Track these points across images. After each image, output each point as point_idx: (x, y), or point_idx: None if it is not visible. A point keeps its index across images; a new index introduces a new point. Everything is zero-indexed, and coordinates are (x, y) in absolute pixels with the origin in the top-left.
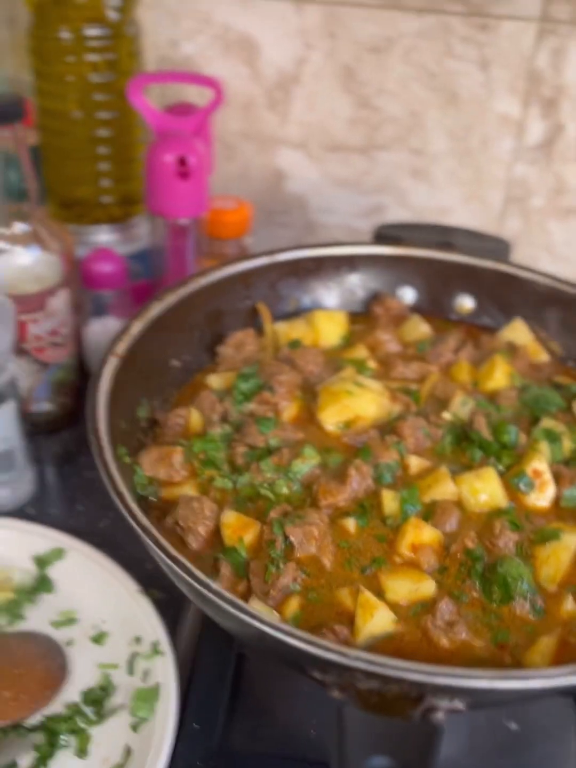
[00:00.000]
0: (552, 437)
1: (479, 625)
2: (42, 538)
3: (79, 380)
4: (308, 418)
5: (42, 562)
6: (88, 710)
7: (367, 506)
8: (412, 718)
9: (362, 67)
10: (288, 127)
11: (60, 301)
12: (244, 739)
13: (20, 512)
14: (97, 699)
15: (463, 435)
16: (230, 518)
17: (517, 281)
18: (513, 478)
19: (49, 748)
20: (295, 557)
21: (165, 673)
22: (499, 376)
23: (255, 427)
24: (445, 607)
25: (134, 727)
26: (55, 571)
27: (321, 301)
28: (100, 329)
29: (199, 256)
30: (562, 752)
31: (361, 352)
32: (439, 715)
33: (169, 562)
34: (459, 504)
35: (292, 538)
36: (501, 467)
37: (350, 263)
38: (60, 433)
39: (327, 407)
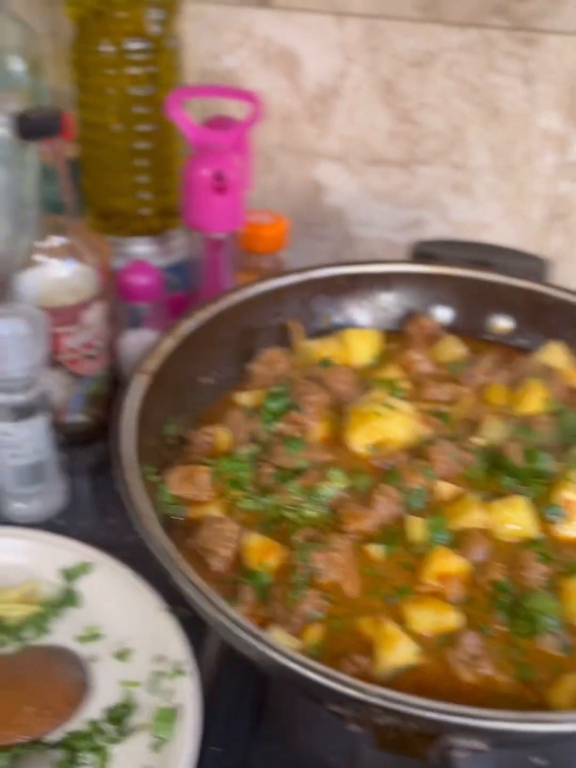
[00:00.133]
0: None
1: (504, 661)
2: (70, 551)
3: (112, 392)
4: (337, 438)
5: (69, 575)
6: (110, 728)
7: (393, 533)
8: (430, 759)
9: (403, 81)
10: (327, 140)
11: (95, 314)
12: (266, 764)
13: (50, 524)
14: (119, 717)
15: (494, 461)
16: (254, 541)
17: (555, 302)
18: (543, 507)
19: (69, 765)
20: (319, 583)
21: (187, 693)
22: (534, 400)
23: (283, 447)
24: (470, 641)
25: (155, 748)
26: (81, 585)
27: (354, 319)
28: (136, 341)
29: (235, 269)
30: None
31: (392, 371)
32: (458, 754)
33: (187, 586)
34: (488, 533)
35: (315, 564)
36: (532, 495)
37: (384, 281)
38: (93, 445)
39: (356, 429)
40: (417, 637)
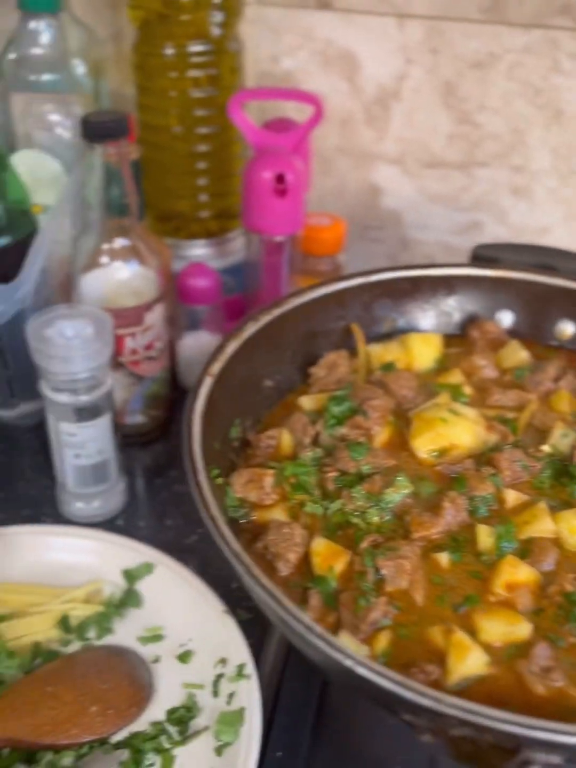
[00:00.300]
0: None
1: None
2: (132, 551)
3: (171, 394)
4: (400, 444)
5: (131, 576)
6: (173, 730)
7: (461, 540)
8: None
9: (464, 83)
10: (386, 143)
11: (156, 316)
12: None
13: (111, 524)
14: (182, 719)
15: (562, 469)
16: (321, 546)
17: None
18: None
19: (134, 765)
20: (386, 591)
21: (250, 697)
22: None
23: (347, 452)
24: (541, 652)
25: (218, 751)
26: (143, 586)
27: (416, 322)
28: (193, 343)
29: (293, 272)
30: None
31: (456, 377)
32: None
33: (260, 591)
34: (557, 542)
35: (383, 571)
36: None
37: (447, 285)
38: (151, 446)
39: (421, 434)
40: (487, 647)
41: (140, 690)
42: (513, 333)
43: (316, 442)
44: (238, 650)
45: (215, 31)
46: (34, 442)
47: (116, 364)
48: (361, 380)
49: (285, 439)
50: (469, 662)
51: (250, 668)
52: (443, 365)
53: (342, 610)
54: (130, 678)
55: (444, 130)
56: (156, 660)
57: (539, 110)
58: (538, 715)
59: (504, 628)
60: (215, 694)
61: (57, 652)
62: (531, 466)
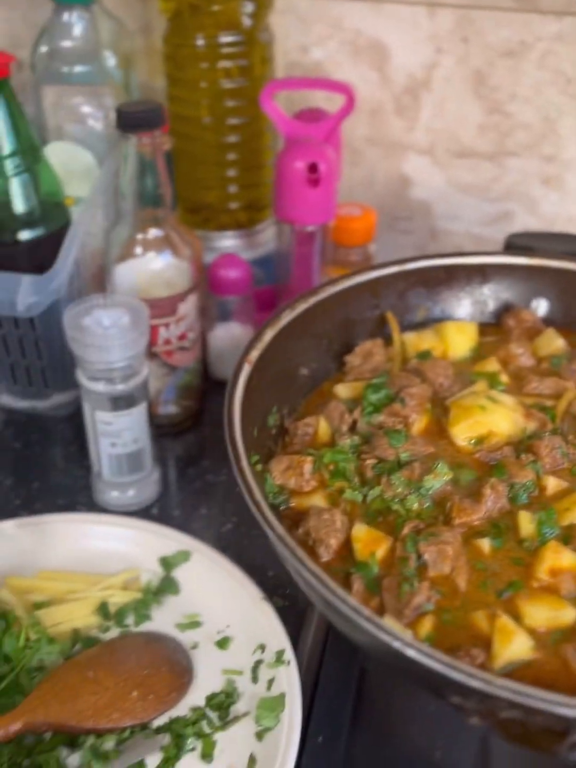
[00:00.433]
0: None
1: None
2: (168, 539)
3: (203, 384)
4: (438, 431)
5: (168, 563)
6: (213, 715)
7: (502, 527)
8: (558, 754)
9: (494, 72)
10: (415, 133)
11: (189, 306)
12: (367, 757)
13: (145, 513)
14: (222, 705)
15: None
16: (361, 532)
17: None
18: None
19: (176, 750)
20: (429, 576)
21: (290, 683)
22: None
23: (385, 439)
24: None
25: (259, 736)
26: (180, 573)
27: (451, 311)
28: (225, 334)
29: (323, 263)
30: None
31: (492, 365)
32: None
33: (306, 574)
34: None
35: (426, 556)
36: None
37: (482, 273)
38: (184, 436)
39: (459, 422)
40: (532, 632)
41: (180, 675)
42: (548, 321)
43: (353, 429)
44: (277, 636)
45: (246, 22)
46: (67, 433)
47: (150, 354)
48: (397, 369)
49: (322, 426)
50: (515, 646)
51: (289, 654)
52: (479, 354)
53: (385, 595)
54: (170, 663)
55: (474, 119)
56: (194, 646)
57: (571, 99)
58: None
59: (548, 613)
60: (254, 680)
61: (96, 638)
62: (571, 453)
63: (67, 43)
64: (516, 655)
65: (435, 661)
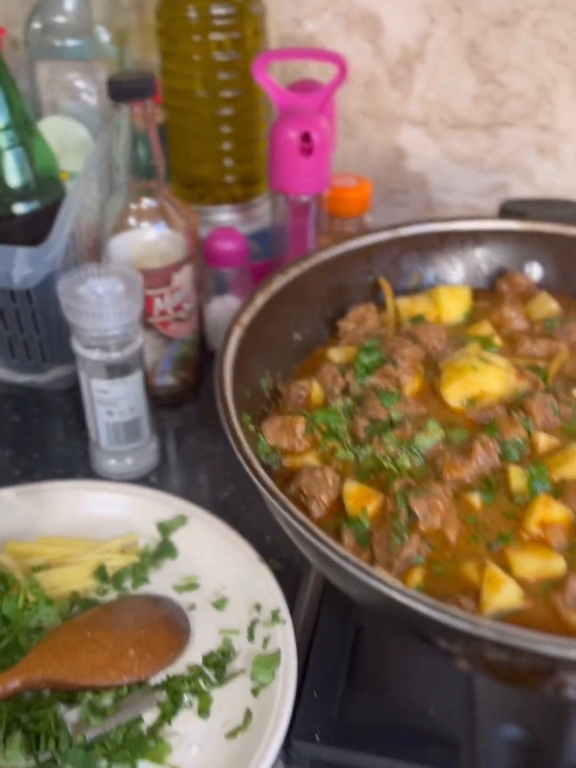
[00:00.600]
0: None
1: None
2: (166, 505)
3: (199, 356)
4: (431, 393)
5: (165, 528)
6: (210, 673)
7: (493, 483)
8: (545, 692)
9: (488, 42)
10: (410, 105)
11: (184, 277)
12: (363, 712)
13: (144, 481)
14: (219, 663)
15: None
16: (353, 489)
17: None
18: None
19: (173, 706)
20: (420, 530)
21: (285, 640)
22: None
23: (377, 400)
24: None
25: (254, 692)
26: (177, 538)
27: (444, 276)
28: (221, 307)
29: (319, 234)
30: None
31: (486, 328)
32: (573, 693)
33: (296, 524)
34: None
35: (416, 510)
36: None
37: (475, 238)
38: (181, 407)
39: (451, 382)
40: (521, 582)
41: (177, 635)
42: (542, 285)
43: (346, 392)
44: (273, 596)
45: None
46: (66, 406)
47: (146, 325)
48: (391, 333)
49: (315, 389)
50: (504, 595)
51: (285, 613)
52: (472, 318)
53: (375, 547)
54: (167, 623)
55: (468, 90)
56: (192, 607)
57: (565, 67)
58: None
59: (538, 564)
60: (251, 638)
61: (94, 601)
62: (562, 411)
63: (59, 19)
64: (505, 603)
65: (421, 604)
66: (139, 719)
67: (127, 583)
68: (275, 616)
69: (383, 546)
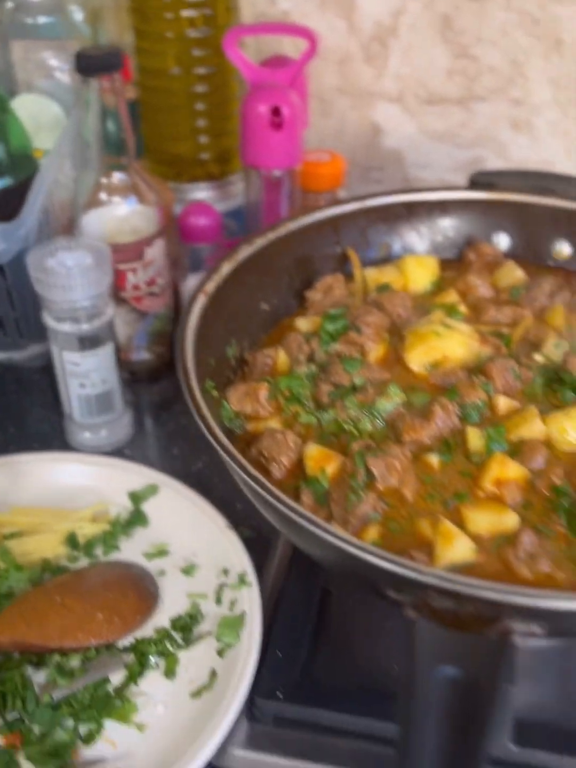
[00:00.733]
0: None
1: (563, 559)
2: (137, 475)
3: (175, 331)
4: (395, 359)
5: (137, 497)
6: (177, 635)
7: (452, 444)
8: (490, 636)
9: (460, 16)
10: (384, 81)
11: (157, 251)
12: (326, 672)
13: (119, 454)
14: (186, 626)
15: (554, 377)
16: (313, 450)
17: None
18: None
19: (139, 667)
20: (377, 489)
21: (251, 602)
22: None
23: (340, 366)
24: (528, 540)
25: (220, 653)
26: (149, 507)
27: (412, 247)
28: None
29: (292, 209)
30: None
31: (451, 296)
32: (516, 640)
33: (252, 483)
34: (547, 443)
35: (374, 470)
36: None
37: (442, 209)
38: (158, 382)
39: (414, 348)
40: (475, 538)
41: (145, 599)
42: (509, 255)
43: (311, 359)
44: (240, 560)
45: None
46: (42, 383)
47: (119, 299)
48: (358, 302)
49: (281, 357)
50: (456, 548)
51: (251, 577)
52: (439, 287)
53: (333, 506)
54: (136, 588)
55: (442, 65)
56: (161, 573)
57: (538, 41)
58: None
59: (491, 519)
60: (218, 601)
61: (65, 567)
62: (523, 374)
63: None
64: (458, 556)
65: (368, 554)
66: (106, 680)
67: (98, 551)
68: (242, 579)
69: (340, 504)
